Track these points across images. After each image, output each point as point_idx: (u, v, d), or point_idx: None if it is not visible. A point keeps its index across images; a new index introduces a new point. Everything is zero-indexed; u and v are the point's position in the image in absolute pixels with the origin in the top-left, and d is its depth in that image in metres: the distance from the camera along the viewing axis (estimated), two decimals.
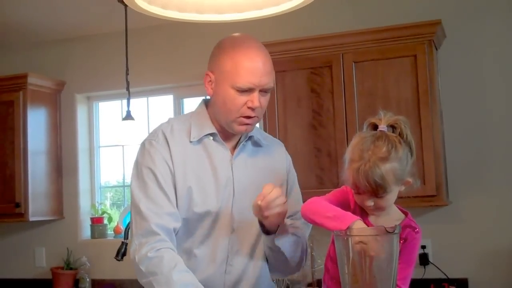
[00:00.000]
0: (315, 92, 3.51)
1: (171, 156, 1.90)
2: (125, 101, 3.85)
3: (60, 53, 4.58)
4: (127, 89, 3.74)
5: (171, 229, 1.86)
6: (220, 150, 1.96)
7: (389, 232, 1.52)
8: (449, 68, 3.60)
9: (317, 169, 3.45)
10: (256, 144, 2.04)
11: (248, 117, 1.89)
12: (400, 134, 1.75)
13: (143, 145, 1.96)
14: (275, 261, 1.99)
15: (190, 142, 1.94)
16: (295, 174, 2.17)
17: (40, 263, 4.51)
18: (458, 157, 3.56)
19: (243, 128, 1.91)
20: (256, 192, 1.84)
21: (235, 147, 1.99)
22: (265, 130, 3.59)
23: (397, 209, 1.87)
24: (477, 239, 3.51)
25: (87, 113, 4.65)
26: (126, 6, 3.44)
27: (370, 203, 1.73)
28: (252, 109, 1.87)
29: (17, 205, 4.14)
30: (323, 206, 1.72)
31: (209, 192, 1.91)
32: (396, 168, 1.69)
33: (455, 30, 3.58)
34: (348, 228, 1.57)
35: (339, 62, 3.46)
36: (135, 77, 3.88)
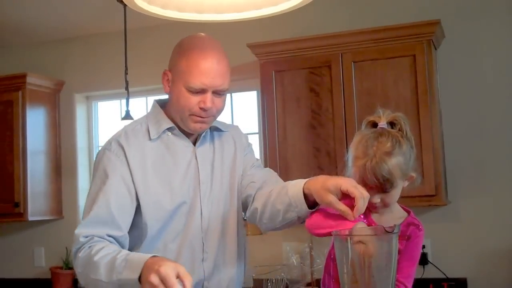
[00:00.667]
0: (314, 91, 3.51)
1: (128, 164, 1.89)
2: (124, 101, 3.85)
3: (59, 53, 4.58)
4: (126, 88, 3.74)
5: (103, 235, 1.84)
6: (181, 143, 1.98)
7: (388, 232, 1.52)
8: (448, 68, 3.60)
9: (316, 168, 3.45)
10: (217, 129, 2.06)
11: (201, 117, 1.90)
12: (400, 130, 1.78)
13: (99, 155, 1.95)
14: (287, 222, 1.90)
15: (150, 140, 1.94)
16: (251, 147, 2.17)
17: (39, 262, 4.51)
18: (457, 157, 3.56)
19: (197, 126, 1.92)
20: (223, 177, 1.96)
21: (196, 138, 2.00)
22: (264, 130, 3.59)
23: (400, 207, 1.88)
24: (476, 239, 3.52)
25: (86, 113, 4.65)
26: (125, 5, 3.44)
27: (377, 199, 1.74)
28: (204, 109, 1.88)
29: (16, 204, 4.14)
30: (325, 218, 1.70)
31: (175, 186, 1.93)
32: (401, 162, 1.72)
33: (454, 30, 3.59)
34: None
35: (338, 62, 3.46)
36: (134, 77, 3.88)
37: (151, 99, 4.48)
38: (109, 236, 1.84)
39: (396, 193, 1.77)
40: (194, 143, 2.00)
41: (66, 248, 4.35)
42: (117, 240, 1.86)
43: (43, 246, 4.50)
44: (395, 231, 1.52)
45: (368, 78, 3.41)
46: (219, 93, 1.89)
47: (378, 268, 1.51)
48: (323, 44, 3.50)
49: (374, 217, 1.83)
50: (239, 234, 2.04)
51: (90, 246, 1.80)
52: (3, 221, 4.32)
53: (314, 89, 3.51)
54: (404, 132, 1.78)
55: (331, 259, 1.86)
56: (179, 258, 1.90)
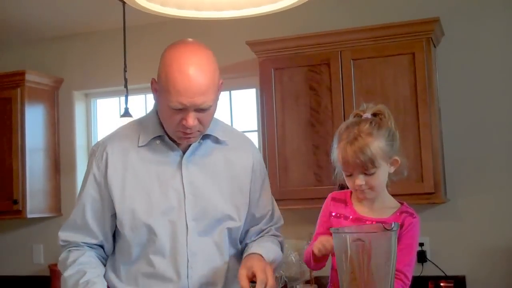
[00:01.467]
0: (313, 89, 3.51)
1: (106, 172, 1.89)
2: (123, 98, 3.85)
3: (58, 50, 4.58)
4: (125, 86, 3.73)
5: (79, 242, 1.94)
6: (168, 153, 1.91)
7: (386, 229, 1.52)
8: (447, 65, 3.60)
9: (315, 166, 3.45)
10: (217, 141, 1.97)
11: (186, 133, 1.82)
12: (382, 118, 1.87)
13: (89, 155, 1.99)
14: None
15: (139, 147, 1.90)
16: (265, 172, 2.10)
17: (38, 260, 4.50)
18: (456, 154, 3.56)
19: (184, 140, 1.86)
20: (213, 192, 1.90)
21: (188, 147, 1.92)
22: (263, 127, 3.59)
23: (393, 199, 1.93)
24: (475, 236, 3.52)
25: (85, 110, 4.65)
26: (124, 3, 3.43)
27: (361, 181, 1.81)
28: (186, 127, 1.78)
29: (15, 202, 4.13)
30: (308, 253, 1.90)
31: (153, 197, 1.87)
32: (382, 142, 1.81)
33: (453, 27, 3.58)
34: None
35: (337, 59, 3.45)
36: (133, 74, 3.87)
37: (150, 97, 4.50)
38: (84, 243, 1.92)
39: (380, 176, 1.83)
40: (187, 149, 1.92)
41: None
42: (92, 247, 1.93)
43: (42, 243, 4.50)
44: (393, 228, 1.53)
45: (367, 76, 3.41)
46: (202, 109, 1.77)
47: (377, 266, 1.51)
48: (322, 42, 3.49)
49: (365, 207, 1.89)
50: (234, 251, 1.99)
51: (68, 250, 1.93)
52: (2, 218, 4.32)
53: (313, 87, 3.51)
54: (387, 118, 1.88)
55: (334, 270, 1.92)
56: (162, 272, 1.86)
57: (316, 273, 3.51)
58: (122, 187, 1.87)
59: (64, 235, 1.94)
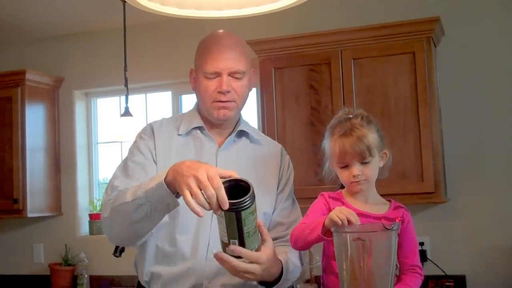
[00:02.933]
0: (313, 89, 3.51)
1: (155, 146, 1.98)
2: (123, 98, 3.85)
3: (58, 50, 4.58)
4: (126, 85, 3.74)
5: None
6: (206, 143, 2.01)
7: (387, 229, 1.52)
8: (447, 65, 3.60)
9: (315, 166, 3.44)
10: (251, 140, 2.08)
11: (222, 101, 1.93)
12: (368, 116, 1.95)
13: (137, 134, 2.07)
14: None
15: (179, 135, 2.01)
16: (291, 181, 2.15)
17: (38, 259, 4.50)
18: (456, 154, 3.56)
19: (221, 113, 1.96)
20: None
21: (224, 141, 2.03)
22: (263, 126, 3.58)
23: (380, 196, 1.97)
24: (475, 236, 3.52)
25: (85, 110, 4.65)
26: (125, 2, 3.43)
27: (358, 171, 1.85)
28: (222, 92, 1.92)
29: (15, 201, 4.13)
30: (302, 229, 1.83)
31: None
32: (374, 134, 1.89)
33: (454, 27, 3.58)
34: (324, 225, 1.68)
35: (337, 59, 3.45)
36: (133, 74, 3.87)
37: (151, 96, 4.52)
38: None
39: (374, 167, 1.88)
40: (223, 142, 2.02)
41: (65, 244, 4.36)
42: None
43: (42, 242, 4.50)
44: (394, 227, 1.53)
45: (368, 75, 3.41)
46: (235, 76, 1.93)
47: (377, 265, 1.51)
48: (322, 41, 3.49)
49: (360, 203, 1.91)
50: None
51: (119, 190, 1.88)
52: (2, 217, 4.32)
53: (314, 86, 3.51)
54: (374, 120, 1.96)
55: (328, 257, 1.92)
56: (183, 250, 1.90)
57: (316, 273, 3.51)
58: (164, 160, 1.94)
59: (118, 182, 1.92)
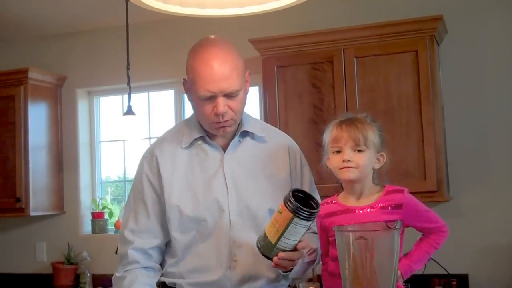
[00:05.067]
0: (316, 87, 3.51)
1: (159, 171, 1.98)
2: (126, 96, 3.84)
3: (61, 48, 4.58)
4: (128, 84, 3.73)
5: (147, 249, 1.98)
6: (210, 151, 2.01)
7: (389, 228, 1.52)
8: (450, 63, 3.59)
9: (318, 164, 3.44)
10: (255, 139, 2.06)
11: (220, 122, 1.92)
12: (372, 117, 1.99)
13: (140, 160, 2.07)
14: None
15: (182, 148, 2.00)
16: (304, 164, 2.19)
17: (41, 258, 4.51)
18: (459, 152, 3.56)
19: (220, 131, 1.96)
20: (255, 187, 1.94)
21: (228, 145, 2.02)
22: None
23: (378, 186, 1.99)
24: (478, 234, 3.51)
25: (88, 108, 4.65)
26: (127, 0, 3.43)
27: (348, 156, 1.88)
28: (218, 115, 1.89)
29: (18, 200, 4.14)
30: None
31: (198, 194, 1.95)
32: (375, 132, 1.91)
33: (457, 25, 3.58)
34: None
35: (340, 57, 3.45)
36: (136, 72, 3.87)
37: (153, 94, 4.52)
38: (151, 248, 1.98)
39: (367, 158, 1.90)
40: (227, 146, 2.01)
41: (68, 243, 4.36)
42: (155, 252, 2.00)
43: (45, 241, 4.51)
44: (396, 226, 1.52)
45: (370, 73, 3.40)
46: (230, 95, 1.89)
47: (380, 264, 1.51)
48: (325, 40, 3.49)
49: (353, 199, 1.95)
50: None
51: (125, 270, 1.99)
52: (5, 216, 4.32)
53: (316, 85, 3.51)
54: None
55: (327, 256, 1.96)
56: (204, 261, 1.94)
57: (318, 272, 3.51)
58: (171, 185, 1.96)
59: (133, 247, 1.98)
